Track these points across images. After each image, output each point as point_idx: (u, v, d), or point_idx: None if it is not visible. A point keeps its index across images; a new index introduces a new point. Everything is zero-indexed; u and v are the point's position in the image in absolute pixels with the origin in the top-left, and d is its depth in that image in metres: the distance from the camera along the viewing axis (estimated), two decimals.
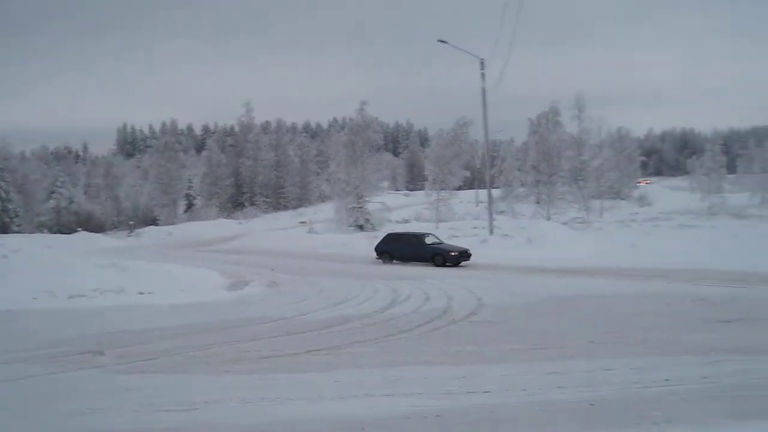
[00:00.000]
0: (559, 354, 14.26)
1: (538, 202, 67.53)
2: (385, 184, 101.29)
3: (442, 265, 34.31)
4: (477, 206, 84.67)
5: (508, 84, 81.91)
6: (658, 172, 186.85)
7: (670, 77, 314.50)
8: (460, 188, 70.72)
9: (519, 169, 78.35)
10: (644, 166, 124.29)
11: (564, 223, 53.69)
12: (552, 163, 64.41)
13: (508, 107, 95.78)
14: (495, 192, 64.73)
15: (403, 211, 76.41)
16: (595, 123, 70.84)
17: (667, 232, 45.85)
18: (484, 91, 43.59)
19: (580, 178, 66.31)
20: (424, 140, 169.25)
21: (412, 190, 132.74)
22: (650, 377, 12.19)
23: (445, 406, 10.36)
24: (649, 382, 11.84)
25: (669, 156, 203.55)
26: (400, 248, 36.89)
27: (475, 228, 51.98)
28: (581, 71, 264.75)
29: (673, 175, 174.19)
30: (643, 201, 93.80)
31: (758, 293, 23.90)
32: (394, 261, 36.65)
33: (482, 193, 71.08)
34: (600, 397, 10.93)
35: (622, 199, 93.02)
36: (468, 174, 69.86)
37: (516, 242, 41.25)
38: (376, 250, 37.82)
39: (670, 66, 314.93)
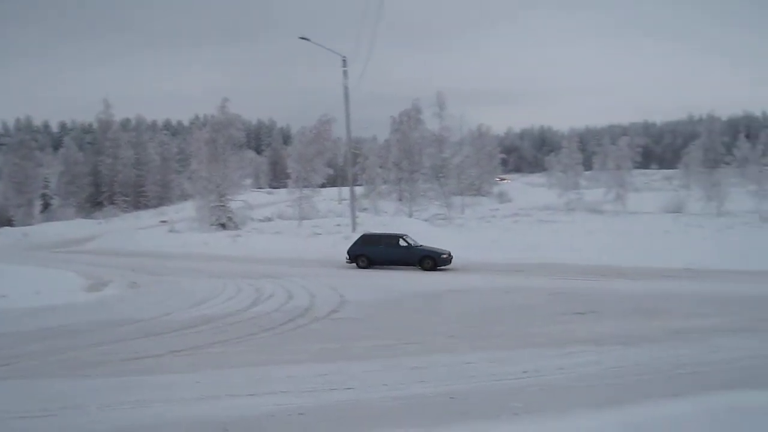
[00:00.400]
0: (421, 349, 14.45)
1: (400, 199, 67.92)
2: (248, 182, 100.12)
3: (432, 269, 31.39)
4: (340, 204, 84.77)
5: (371, 82, 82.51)
6: (517, 169, 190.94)
7: (530, 76, 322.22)
8: (323, 186, 70.59)
9: (381, 167, 78.59)
10: (504, 163, 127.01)
11: (425, 220, 54.36)
12: (414, 161, 64.86)
13: (371, 105, 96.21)
14: (358, 189, 64.87)
15: (266, 209, 75.85)
16: (456, 121, 72.06)
17: (527, 228, 46.95)
18: (346, 88, 43.70)
19: (441, 175, 67.11)
20: (287, 138, 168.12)
21: (275, 188, 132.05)
22: (509, 369, 12.52)
23: (308, 404, 10.38)
24: (508, 374, 12.17)
25: (528, 153, 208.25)
26: (381, 251, 32.91)
27: (339, 225, 52.08)
28: (444, 70, 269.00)
29: (532, 172, 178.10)
30: (503, 197, 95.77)
31: (612, 286, 24.77)
32: (373, 266, 32.68)
33: (345, 191, 70.97)
34: (461, 390, 11.15)
35: (483, 195, 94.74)
36: (331, 171, 69.63)
37: None
38: (349, 253, 33.42)
39: (529, 65, 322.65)
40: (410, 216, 58.86)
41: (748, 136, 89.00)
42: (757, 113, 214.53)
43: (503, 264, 31.79)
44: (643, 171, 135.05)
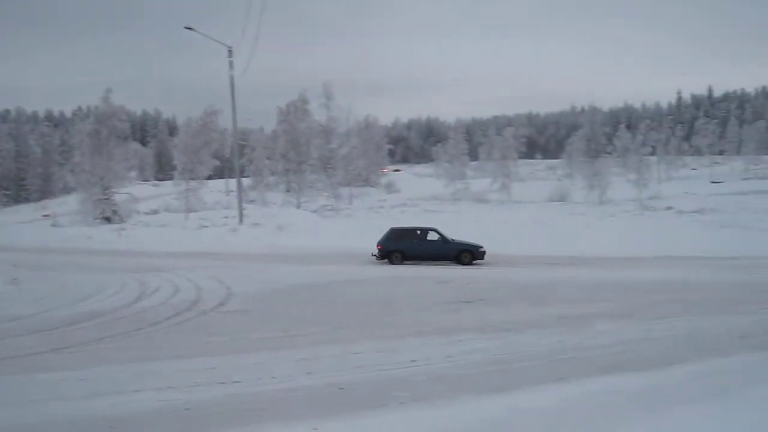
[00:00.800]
0: (309, 340, 14.44)
1: (288, 191, 67.83)
2: (133, 174, 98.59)
3: (469, 263, 30.19)
4: (227, 195, 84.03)
5: (258, 73, 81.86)
6: (404, 160, 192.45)
7: (418, 67, 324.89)
8: (210, 178, 69.82)
9: (269, 158, 78.31)
10: (391, 153, 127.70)
11: (314, 211, 54.47)
12: (301, 152, 64.83)
13: (259, 96, 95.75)
14: (245, 181, 64.72)
15: (152, 202, 74.84)
16: (343, 112, 72.17)
17: (415, 218, 47.35)
18: (232, 79, 43.42)
19: (329, 166, 67.32)
20: (173, 129, 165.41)
21: (161, 180, 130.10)
22: (397, 359, 12.60)
23: (194, 399, 10.25)
24: (397, 364, 12.25)
25: (415, 144, 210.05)
26: (416, 246, 31.40)
27: (226, 218, 51.72)
28: (332, 60, 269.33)
29: (419, 163, 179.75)
30: (390, 188, 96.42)
31: (498, 274, 25.22)
32: (405, 261, 31.09)
33: (232, 183, 70.58)
34: (349, 381, 11.18)
35: (371, 186, 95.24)
36: (218, 163, 69.14)
37: (266, 231, 41.36)
38: (381, 248, 31.13)
39: (417, 56, 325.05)
40: (298, 207, 58.85)
41: (628, 127, 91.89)
42: (637, 105, 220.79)
43: None
44: (527, 161, 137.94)
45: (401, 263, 30.64)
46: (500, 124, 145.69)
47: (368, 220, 48.20)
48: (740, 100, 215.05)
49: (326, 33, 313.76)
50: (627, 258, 30.15)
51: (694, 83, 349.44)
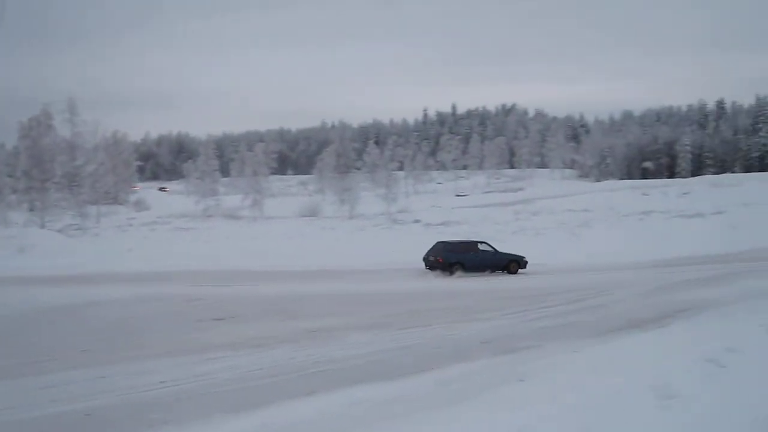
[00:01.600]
0: (52, 367, 13.72)
1: (31, 210, 64.92)
2: None
3: (515, 272, 32.21)
4: None
5: None
6: (155, 177, 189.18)
7: (168, 82, 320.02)
8: None
9: (10, 176, 74.72)
10: (141, 170, 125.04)
11: (59, 231, 52.26)
12: (45, 169, 62.17)
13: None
14: None
15: None
16: (90, 127, 69.79)
17: (165, 235, 46.57)
18: None
19: (74, 183, 64.88)
20: None
21: None
22: (147, 380, 12.26)
23: None
24: (146, 386, 11.92)
25: (165, 160, 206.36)
26: (473, 258, 32.36)
27: None
28: (78, 74, 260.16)
29: (170, 179, 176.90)
30: (140, 206, 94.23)
31: (250, 290, 25.21)
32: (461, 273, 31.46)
33: None
34: (97, 406, 10.78)
35: (120, 204, 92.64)
36: None
37: (5, 253, 39.27)
38: (443, 260, 31.79)
39: (166, 71, 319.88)
40: (42, 227, 56.29)
41: (377, 143, 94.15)
42: (386, 121, 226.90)
43: (140, 272, 31.07)
44: (279, 177, 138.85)
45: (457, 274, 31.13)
46: (252, 139, 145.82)
47: (117, 238, 46.88)
48: (482, 117, 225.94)
49: (75, 44, 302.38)
50: (377, 270, 30.86)
51: (439, 101, 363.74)
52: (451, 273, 31.25)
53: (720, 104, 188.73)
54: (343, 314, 19.76)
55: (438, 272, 31.36)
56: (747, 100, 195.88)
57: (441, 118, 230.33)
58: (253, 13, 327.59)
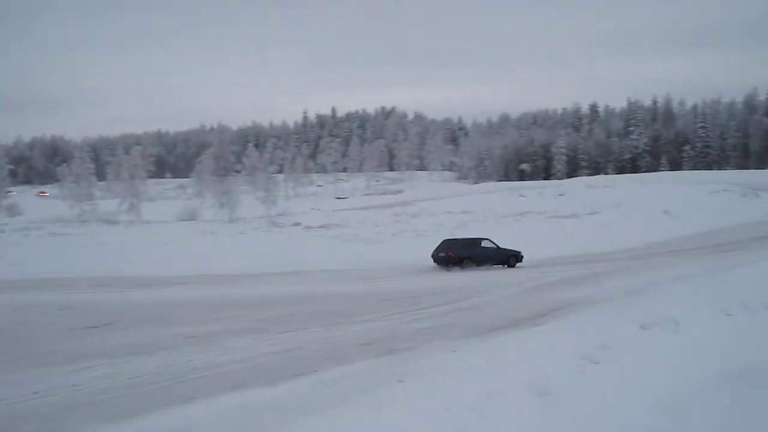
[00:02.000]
0: None
1: None
2: None
3: (514, 266, 35.30)
4: None
5: None
6: (28, 181, 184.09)
7: (41, 83, 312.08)
8: None
9: None
10: (13, 174, 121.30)
11: None
12: None
13: None
14: None
15: None
16: None
17: (38, 241, 45.38)
18: None
19: None
20: None
21: None
22: (19, 392, 11.90)
23: None
24: (19, 397, 11.59)
25: (39, 164, 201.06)
26: (480, 253, 35.58)
27: None
28: None
29: (44, 183, 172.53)
30: (12, 211, 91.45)
31: (125, 296, 24.77)
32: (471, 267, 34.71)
33: None
34: None
35: None
36: None
37: None
38: (455, 256, 34.99)
39: (40, 72, 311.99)
40: None
41: (256, 146, 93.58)
42: (265, 123, 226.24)
43: (12, 280, 30.19)
44: (157, 180, 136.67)
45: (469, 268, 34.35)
46: (129, 142, 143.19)
47: None
48: (362, 120, 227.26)
49: None
50: (257, 274, 30.75)
51: (319, 104, 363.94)
52: (462, 267, 34.32)
53: (593, 108, 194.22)
54: (220, 319, 19.42)
55: (450, 266, 34.32)
56: (619, 104, 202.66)
57: (321, 121, 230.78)
58: (129, 14, 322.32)
